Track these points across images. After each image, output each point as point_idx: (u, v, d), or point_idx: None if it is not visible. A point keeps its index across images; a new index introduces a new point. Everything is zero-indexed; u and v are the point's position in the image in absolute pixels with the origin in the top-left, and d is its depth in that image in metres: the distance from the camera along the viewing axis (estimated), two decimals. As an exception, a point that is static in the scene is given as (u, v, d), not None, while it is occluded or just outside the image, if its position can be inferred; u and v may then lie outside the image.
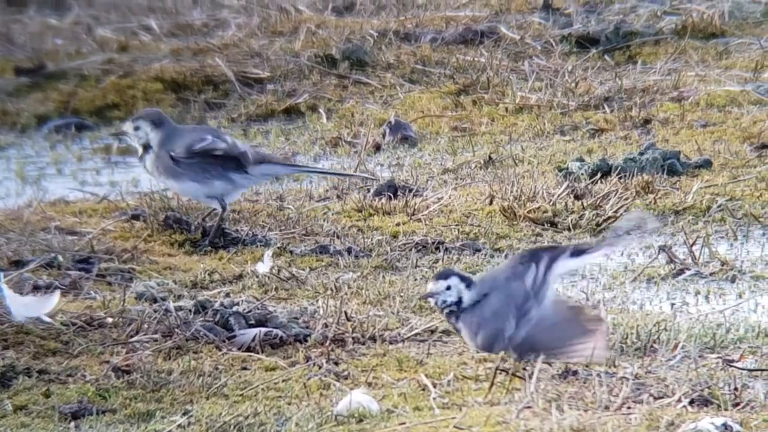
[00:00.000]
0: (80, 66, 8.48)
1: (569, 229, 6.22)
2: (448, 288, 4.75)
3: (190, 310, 5.28)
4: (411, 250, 6.02)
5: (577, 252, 4.79)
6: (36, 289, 5.53)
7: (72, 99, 8.21)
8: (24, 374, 4.91)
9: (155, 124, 6.09)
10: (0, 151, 7.83)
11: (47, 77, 8.41)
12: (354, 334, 5.16)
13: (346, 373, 4.92)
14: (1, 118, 8.14)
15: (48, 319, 5.21)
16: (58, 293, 5.25)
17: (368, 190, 6.65)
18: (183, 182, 6.07)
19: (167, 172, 6.07)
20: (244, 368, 5.00)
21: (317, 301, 5.46)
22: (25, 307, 5.19)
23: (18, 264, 5.78)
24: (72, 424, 4.65)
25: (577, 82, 7.90)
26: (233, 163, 6.08)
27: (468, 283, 4.75)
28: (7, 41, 8.96)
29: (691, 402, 4.58)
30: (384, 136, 7.51)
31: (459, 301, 4.75)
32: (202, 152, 6.04)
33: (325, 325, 5.18)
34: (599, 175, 6.62)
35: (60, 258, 5.81)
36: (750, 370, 4.83)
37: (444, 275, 4.78)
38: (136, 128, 6.12)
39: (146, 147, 6.11)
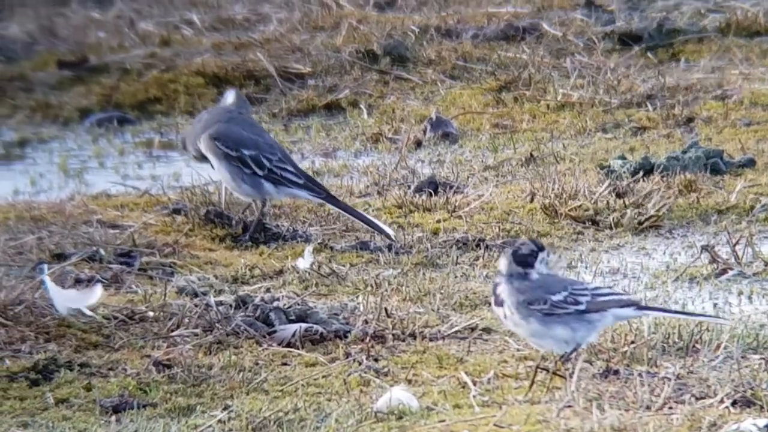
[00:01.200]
0: (122, 60, 8.52)
1: (611, 228, 6.19)
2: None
3: (230, 305, 5.29)
4: (451, 247, 6.01)
5: None
6: (78, 282, 5.56)
7: (114, 93, 8.24)
8: (65, 367, 4.94)
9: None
10: (43, 144, 7.88)
11: (90, 71, 8.46)
12: (394, 331, 5.16)
13: (386, 369, 4.92)
14: (44, 111, 8.20)
15: (90, 313, 5.24)
16: (100, 286, 5.28)
17: (409, 187, 6.64)
18: (220, 170, 6.11)
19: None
20: (284, 364, 5.01)
21: (357, 297, 5.47)
22: (68, 300, 5.23)
23: (60, 257, 5.81)
24: (113, 417, 4.67)
25: (619, 79, 7.86)
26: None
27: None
28: (51, 34, 9.02)
29: (734, 403, 4.55)
30: (425, 132, 7.49)
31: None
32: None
33: (365, 322, 5.18)
34: (641, 173, 6.58)
35: (102, 251, 5.84)
36: (793, 372, 4.80)
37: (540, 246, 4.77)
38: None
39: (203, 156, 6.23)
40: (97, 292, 5.23)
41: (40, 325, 5.19)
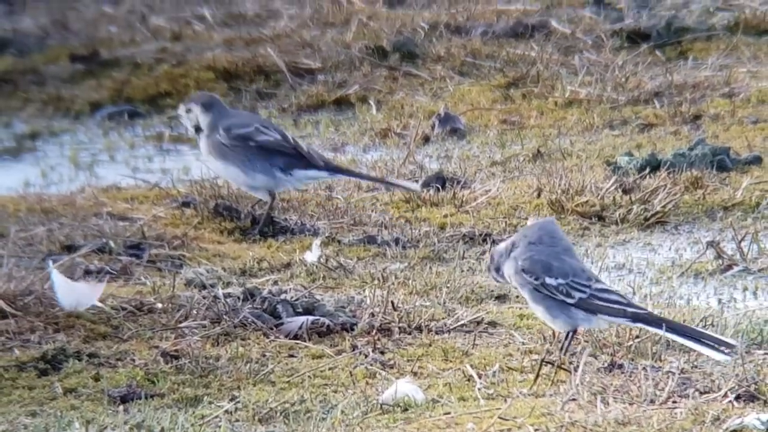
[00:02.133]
0: (134, 54, 8.56)
1: (617, 223, 6.21)
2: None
3: (238, 297, 5.32)
4: (458, 241, 6.04)
5: None
6: (87, 273, 5.60)
7: (125, 87, 8.28)
8: (74, 357, 4.97)
9: (206, 107, 6.16)
10: (54, 137, 7.93)
11: (101, 65, 8.50)
12: (400, 324, 5.19)
13: (392, 362, 4.95)
14: (55, 104, 8.24)
15: (99, 303, 5.28)
16: (103, 285, 5.30)
17: (417, 182, 6.67)
18: (228, 167, 6.14)
19: (215, 153, 6.14)
20: (291, 356, 5.04)
21: (364, 290, 5.50)
22: (73, 296, 5.25)
23: (70, 249, 5.85)
24: (121, 407, 4.70)
25: (627, 77, 7.88)
26: (282, 159, 6.12)
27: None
28: (63, 28, 9.06)
29: (737, 397, 4.57)
30: (433, 128, 7.52)
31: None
32: (241, 138, 6.10)
33: (372, 315, 5.21)
34: (648, 169, 6.60)
35: (111, 244, 5.88)
36: (797, 367, 4.82)
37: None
38: (188, 110, 6.20)
39: (197, 129, 6.20)
40: (101, 288, 5.26)
41: (50, 315, 5.23)
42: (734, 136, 7.20)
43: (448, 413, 4.55)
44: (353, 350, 5.04)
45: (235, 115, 6.31)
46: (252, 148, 6.12)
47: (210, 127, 6.15)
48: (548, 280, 4.79)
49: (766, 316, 5.25)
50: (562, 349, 4.86)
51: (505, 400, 4.62)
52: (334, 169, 6.24)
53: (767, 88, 7.71)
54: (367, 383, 4.80)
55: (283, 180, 6.16)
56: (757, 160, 6.80)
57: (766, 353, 4.92)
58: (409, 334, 5.16)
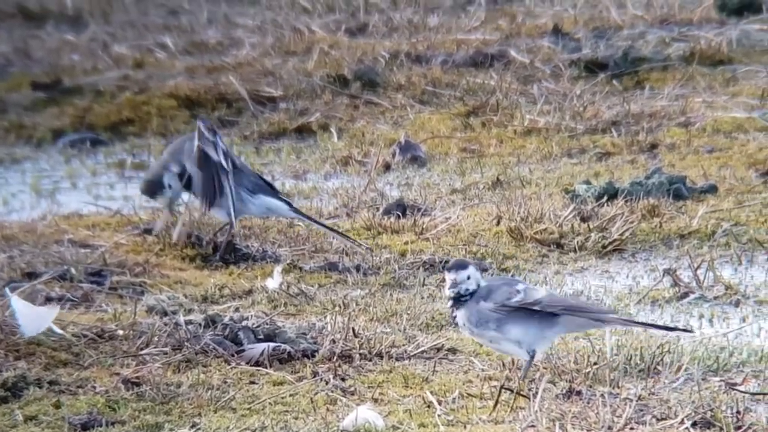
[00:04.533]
0: (96, 82, 8.57)
1: (575, 251, 6.28)
2: (469, 277, 4.86)
3: (200, 324, 5.34)
4: (419, 268, 6.08)
5: None
6: (48, 300, 5.60)
7: (87, 114, 8.29)
8: (35, 385, 4.96)
9: None
10: (16, 164, 7.91)
11: (63, 92, 8.50)
12: (361, 351, 5.22)
13: (352, 388, 4.98)
14: (17, 131, 8.23)
15: (59, 331, 5.27)
16: (56, 308, 5.29)
17: (377, 209, 6.72)
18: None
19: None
20: (252, 382, 5.05)
21: (325, 317, 5.52)
22: (34, 321, 5.24)
23: (31, 276, 5.85)
24: (82, 434, 4.70)
25: (585, 106, 7.96)
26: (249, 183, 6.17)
27: (482, 269, 4.89)
28: (25, 56, 9.07)
29: (694, 424, 4.62)
30: (394, 155, 7.58)
31: (477, 289, 4.86)
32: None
33: (333, 341, 5.24)
34: (606, 198, 6.67)
35: (73, 270, 5.88)
36: (753, 394, 4.86)
37: (463, 265, 4.88)
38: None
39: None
40: (53, 310, 5.25)
41: (10, 343, 5.22)
42: (690, 165, 7.28)
43: (409, 439, 4.58)
44: (314, 377, 5.06)
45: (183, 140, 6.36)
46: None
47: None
48: (519, 287, 4.87)
49: (722, 344, 5.31)
50: (521, 375, 4.91)
51: (465, 427, 4.65)
52: (295, 210, 6.27)
53: (722, 118, 7.81)
54: (327, 410, 4.82)
55: (249, 202, 6.19)
56: (712, 189, 6.88)
57: (722, 380, 4.97)
58: (370, 360, 5.19)
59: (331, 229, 6.30)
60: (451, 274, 4.87)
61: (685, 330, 5.17)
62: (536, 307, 4.83)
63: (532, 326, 4.85)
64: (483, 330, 4.88)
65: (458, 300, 4.88)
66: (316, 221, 6.34)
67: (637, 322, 5.21)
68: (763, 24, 9.09)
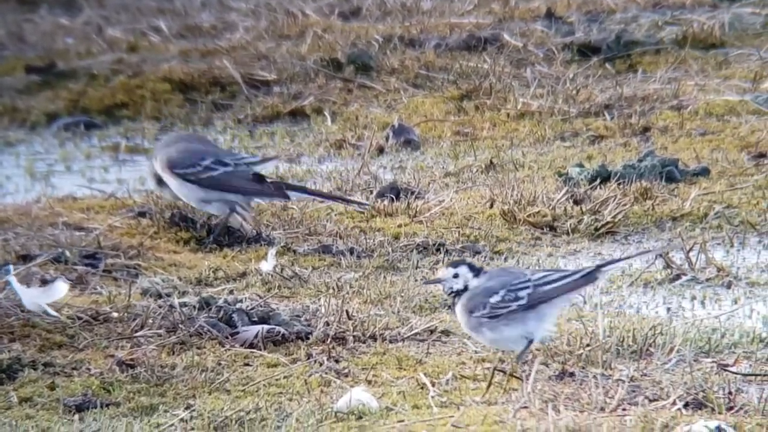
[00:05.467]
0: (90, 65, 8.56)
1: (568, 234, 6.30)
2: (456, 276, 4.87)
3: (194, 307, 5.36)
4: (412, 251, 6.10)
5: None
6: (44, 282, 5.61)
7: (81, 98, 8.29)
8: (30, 367, 4.98)
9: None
10: (10, 147, 7.91)
11: (57, 76, 8.49)
12: (355, 333, 5.24)
13: (346, 370, 5.00)
14: (11, 115, 8.23)
15: (54, 313, 5.29)
16: (63, 282, 5.32)
17: (371, 192, 6.73)
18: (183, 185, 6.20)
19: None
20: (247, 364, 5.07)
21: (319, 299, 5.54)
22: (34, 297, 5.27)
23: (26, 258, 5.86)
24: (76, 416, 4.71)
25: (578, 89, 7.97)
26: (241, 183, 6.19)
27: (477, 272, 4.88)
28: (19, 40, 9.05)
29: (686, 405, 4.65)
30: (387, 139, 7.58)
31: (465, 288, 4.87)
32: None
33: (327, 324, 5.26)
34: (598, 180, 6.69)
35: (67, 253, 5.90)
36: (744, 375, 4.90)
37: (455, 264, 4.90)
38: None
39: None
40: (62, 288, 5.28)
41: (5, 325, 5.24)
42: (682, 147, 7.29)
43: (402, 421, 4.60)
44: (308, 359, 5.08)
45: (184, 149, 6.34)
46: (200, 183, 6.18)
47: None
48: (492, 300, 4.85)
49: (714, 325, 5.34)
50: (517, 357, 4.93)
51: (458, 408, 4.68)
52: (290, 188, 6.28)
53: (715, 101, 7.82)
54: (321, 391, 4.84)
55: (238, 202, 6.21)
56: (704, 172, 6.90)
57: (713, 361, 5.00)
58: (364, 342, 5.21)
59: (329, 196, 6.29)
60: (440, 272, 4.91)
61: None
62: (514, 306, 4.83)
63: (525, 321, 4.86)
64: (479, 335, 4.91)
65: (451, 295, 4.91)
66: (312, 192, 6.37)
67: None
68: (756, 7, 9.09)
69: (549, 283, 4.85)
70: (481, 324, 4.83)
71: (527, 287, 4.84)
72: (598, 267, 4.90)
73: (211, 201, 6.14)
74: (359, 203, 6.29)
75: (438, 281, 4.92)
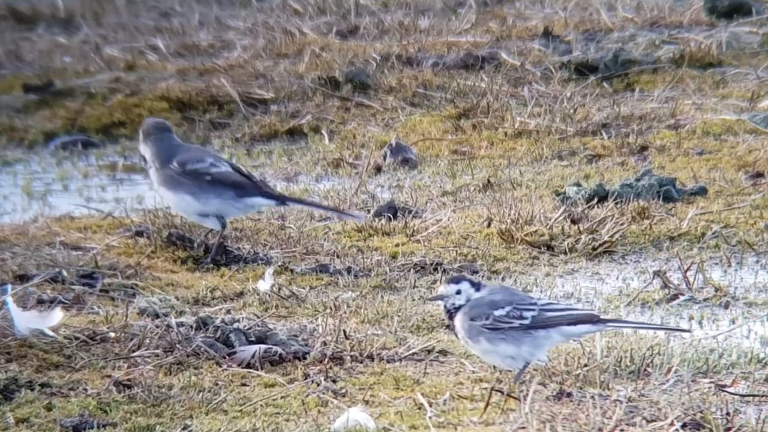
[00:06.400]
0: (88, 84, 8.58)
1: (565, 253, 6.30)
2: (458, 292, 4.89)
3: (191, 326, 5.35)
4: (409, 270, 6.10)
5: None
6: (40, 303, 5.61)
7: (79, 116, 8.30)
8: (26, 387, 4.97)
9: (146, 136, 6.25)
10: (7, 166, 7.92)
11: (55, 94, 8.51)
12: (352, 353, 5.24)
13: (343, 390, 5.00)
14: (9, 134, 8.24)
15: (51, 333, 5.28)
16: (60, 309, 5.32)
17: (368, 211, 6.74)
18: (181, 196, 6.18)
19: (166, 185, 6.18)
20: (244, 384, 5.07)
21: (317, 319, 5.54)
22: (29, 321, 5.27)
23: (23, 278, 5.86)
24: (73, 437, 4.72)
25: (575, 108, 7.99)
26: (234, 188, 6.18)
27: (477, 287, 4.90)
28: (17, 58, 9.07)
29: (684, 426, 4.64)
30: (385, 158, 7.60)
31: (467, 303, 4.89)
32: (195, 172, 6.16)
33: (324, 343, 5.26)
34: (596, 200, 6.70)
35: (64, 273, 5.89)
36: (742, 396, 4.90)
37: (456, 280, 4.91)
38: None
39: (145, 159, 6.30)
40: (57, 315, 5.28)
41: (2, 345, 5.23)
42: (680, 167, 7.31)
43: (399, 441, 4.60)
44: (305, 379, 5.08)
45: (187, 149, 6.35)
46: (206, 180, 6.16)
47: (159, 160, 6.19)
48: (497, 313, 4.87)
49: (712, 345, 5.34)
50: (514, 378, 4.93)
51: (456, 429, 4.67)
52: (285, 198, 6.30)
53: (712, 120, 7.84)
54: (319, 412, 4.84)
55: (234, 206, 6.20)
56: (702, 191, 6.91)
57: (711, 382, 5.00)
58: (361, 362, 5.21)
59: (325, 207, 6.32)
60: (441, 288, 4.93)
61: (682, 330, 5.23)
62: (517, 324, 4.86)
63: (522, 342, 4.87)
64: (475, 343, 4.91)
65: (448, 312, 4.92)
66: (308, 203, 6.40)
67: (631, 322, 5.25)
68: (753, 26, 9.13)
69: (554, 310, 4.87)
70: (480, 333, 4.84)
71: (533, 309, 4.86)
72: (604, 321, 4.93)
73: (209, 198, 6.15)
74: (355, 216, 6.31)
75: (440, 298, 4.93)
